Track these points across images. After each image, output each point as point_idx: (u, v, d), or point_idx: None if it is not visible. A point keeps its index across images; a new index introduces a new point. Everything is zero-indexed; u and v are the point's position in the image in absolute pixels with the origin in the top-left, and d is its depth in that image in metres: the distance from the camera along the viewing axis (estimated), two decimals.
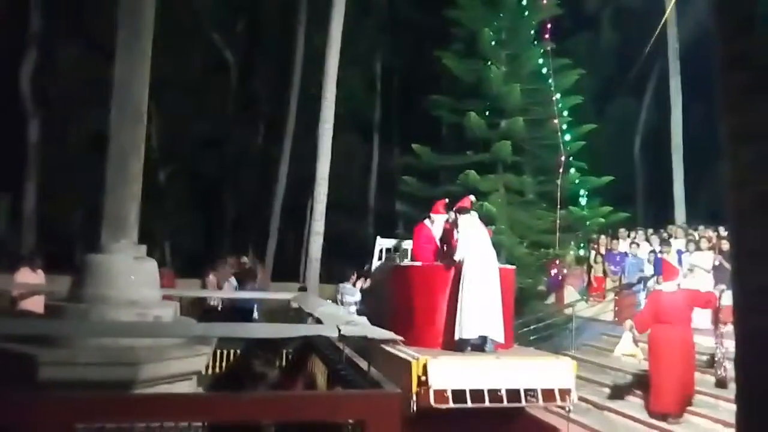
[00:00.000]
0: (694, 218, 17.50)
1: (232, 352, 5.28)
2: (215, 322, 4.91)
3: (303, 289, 10.98)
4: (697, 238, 12.02)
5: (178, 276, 12.36)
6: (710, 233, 12.28)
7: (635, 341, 8.20)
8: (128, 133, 4.46)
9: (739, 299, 1.97)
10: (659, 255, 11.72)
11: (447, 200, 7.87)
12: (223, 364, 5.22)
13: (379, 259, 10.10)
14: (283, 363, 5.78)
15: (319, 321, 4.12)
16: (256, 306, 9.85)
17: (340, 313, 4.54)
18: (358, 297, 9.70)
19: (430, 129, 19.20)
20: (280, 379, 5.74)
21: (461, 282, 6.33)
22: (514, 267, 7.17)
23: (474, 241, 6.42)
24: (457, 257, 6.45)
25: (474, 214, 6.83)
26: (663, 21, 16.52)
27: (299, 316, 5.24)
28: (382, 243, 10.38)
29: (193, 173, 23.32)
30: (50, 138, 19.31)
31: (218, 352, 5.10)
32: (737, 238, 1.95)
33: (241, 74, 24.69)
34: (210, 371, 4.96)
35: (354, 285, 10.01)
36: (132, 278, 4.16)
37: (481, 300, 6.23)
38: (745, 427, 1.90)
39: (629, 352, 8.38)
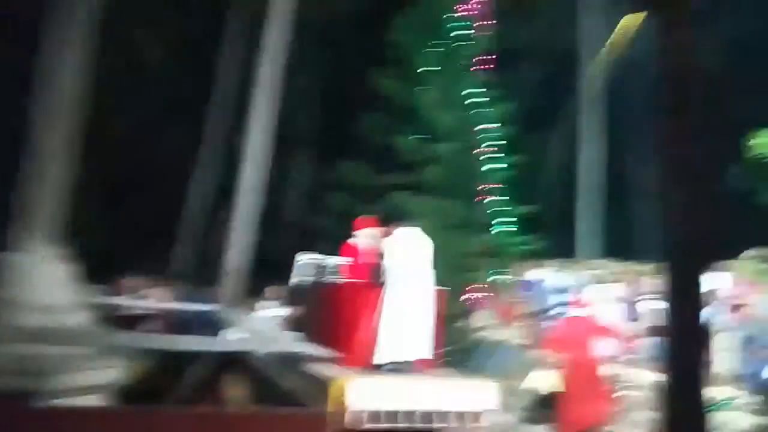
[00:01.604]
0: (598, 252, 18.55)
1: (147, 364, 5.04)
2: (134, 333, 4.68)
3: (230, 303, 10.57)
4: (602, 271, 12.74)
5: (87, 281, 11.69)
6: (618, 267, 13.05)
7: (547, 369, 8.50)
8: (52, 129, 4.24)
9: (668, 333, 2.12)
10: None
11: (365, 216, 7.86)
12: (138, 376, 4.98)
13: (300, 275, 9.91)
14: (197, 377, 5.61)
15: (243, 336, 4.03)
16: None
17: (266, 329, 4.46)
18: (277, 313, 9.52)
19: (359, 145, 19.25)
20: (194, 394, 5.56)
21: (381, 306, 6.35)
22: (446, 288, 7.27)
23: (402, 259, 6.47)
24: (381, 279, 6.49)
25: (410, 229, 6.89)
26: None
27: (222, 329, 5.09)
28: (303, 259, 10.21)
29: (108, 173, 22.21)
30: None
31: (134, 363, 4.86)
32: (668, 273, 2.11)
33: (165, 75, 23.90)
34: (125, 383, 4.71)
35: (274, 301, 9.84)
36: (45, 281, 3.92)
37: (403, 324, 6.27)
38: None
39: (541, 382, 8.69)
